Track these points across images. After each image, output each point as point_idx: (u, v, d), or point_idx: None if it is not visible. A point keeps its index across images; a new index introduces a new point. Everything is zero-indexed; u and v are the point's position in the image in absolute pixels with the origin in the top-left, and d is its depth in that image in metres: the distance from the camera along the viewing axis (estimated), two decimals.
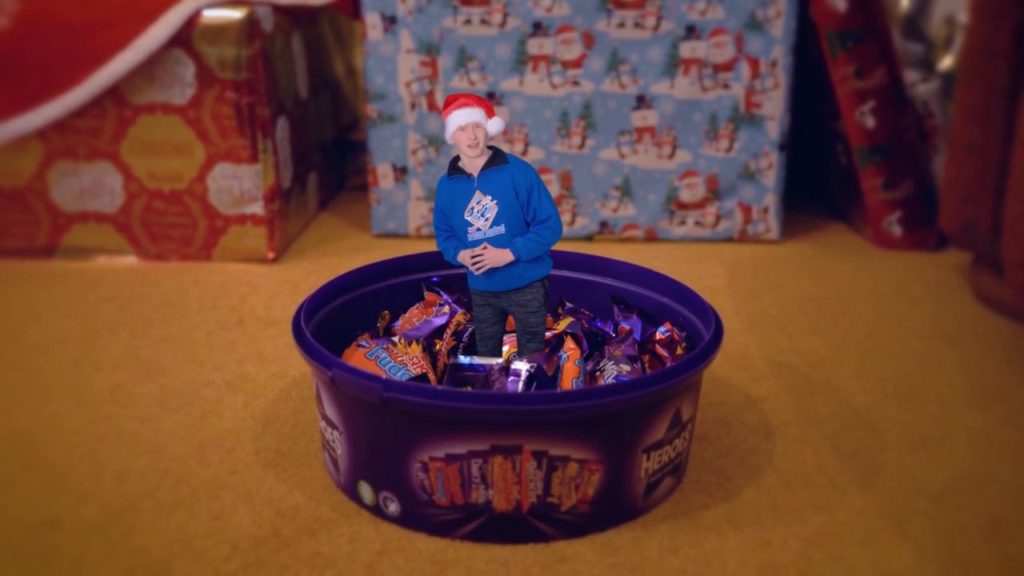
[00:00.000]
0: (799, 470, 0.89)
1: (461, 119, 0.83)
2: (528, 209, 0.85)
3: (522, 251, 0.85)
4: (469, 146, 0.84)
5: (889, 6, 1.56)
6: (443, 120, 0.86)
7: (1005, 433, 0.96)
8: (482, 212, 0.85)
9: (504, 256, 0.85)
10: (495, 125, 0.85)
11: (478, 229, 0.85)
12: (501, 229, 0.85)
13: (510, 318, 0.95)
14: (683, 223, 1.56)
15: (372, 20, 1.48)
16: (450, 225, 0.87)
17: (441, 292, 1.02)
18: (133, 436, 0.94)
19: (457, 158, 0.86)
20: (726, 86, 1.49)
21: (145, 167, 1.41)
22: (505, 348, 0.93)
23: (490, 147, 0.86)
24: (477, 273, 0.86)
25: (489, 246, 0.85)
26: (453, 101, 0.85)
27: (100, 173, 1.41)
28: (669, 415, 0.79)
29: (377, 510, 0.81)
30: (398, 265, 1.04)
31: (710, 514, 0.82)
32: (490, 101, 0.86)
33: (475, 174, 0.85)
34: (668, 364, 0.90)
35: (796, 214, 1.69)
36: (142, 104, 1.38)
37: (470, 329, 0.96)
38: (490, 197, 0.85)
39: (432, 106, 1.51)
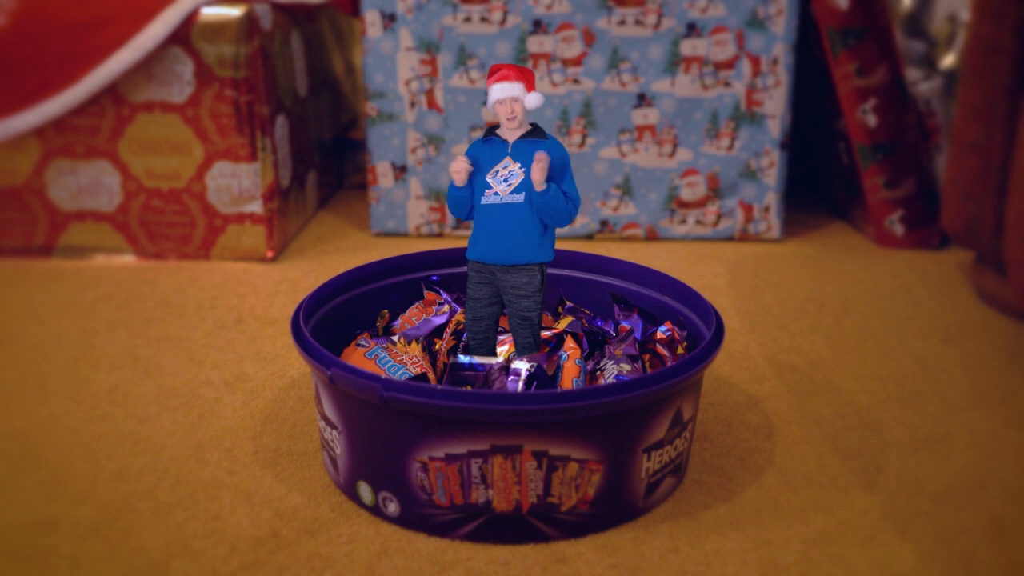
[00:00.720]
0: (800, 470, 0.89)
1: (498, 93, 0.85)
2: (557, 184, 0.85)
3: (552, 192, 0.83)
4: (508, 119, 0.85)
5: (891, 4, 1.56)
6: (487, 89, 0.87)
7: (1007, 433, 0.96)
8: (506, 177, 0.85)
9: (542, 175, 0.82)
10: (533, 99, 0.85)
11: (496, 193, 0.85)
12: (520, 197, 0.84)
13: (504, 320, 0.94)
14: (684, 222, 1.55)
15: (371, 18, 1.47)
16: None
17: (441, 291, 1.02)
18: (131, 436, 0.94)
19: (498, 125, 0.87)
20: (727, 84, 1.49)
21: (143, 166, 1.40)
22: (504, 348, 0.93)
23: (532, 124, 0.87)
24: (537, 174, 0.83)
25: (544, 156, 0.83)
26: (495, 72, 0.86)
27: (98, 172, 1.40)
28: (670, 415, 0.79)
29: (376, 510, 0.80)
30: (397, 264, 1.03)
31: (711, 514, 0.82)
32: (532, 72, 0.87)
33: (511, 141, 0.86)
34: (669, 363, 0.90)
35: (797, 213, 1.69)
36: (140, 102, 1.37)
37: None
38: (519, 165, 0.85)
39: (432, 104, 1.50)
